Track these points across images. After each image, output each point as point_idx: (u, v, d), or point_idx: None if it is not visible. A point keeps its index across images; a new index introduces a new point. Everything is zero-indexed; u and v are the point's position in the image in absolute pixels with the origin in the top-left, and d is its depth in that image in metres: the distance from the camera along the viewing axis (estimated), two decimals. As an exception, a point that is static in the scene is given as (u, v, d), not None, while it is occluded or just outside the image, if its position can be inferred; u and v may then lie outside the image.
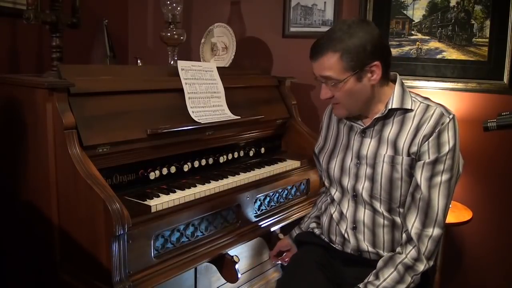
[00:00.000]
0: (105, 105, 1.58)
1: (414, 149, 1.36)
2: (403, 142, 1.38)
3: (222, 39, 2.45)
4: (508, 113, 1.41)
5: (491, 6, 2.15)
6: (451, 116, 1.35)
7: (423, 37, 2.32)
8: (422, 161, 1.35)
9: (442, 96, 2.26)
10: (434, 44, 2.30)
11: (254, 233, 1.90)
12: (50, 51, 2.04)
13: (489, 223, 2.25)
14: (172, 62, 2.33)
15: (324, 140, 1.66)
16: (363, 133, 1.47)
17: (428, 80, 2.31)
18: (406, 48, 2.36)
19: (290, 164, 2.13)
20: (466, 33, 2.22)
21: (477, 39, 2.20)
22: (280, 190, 2.05)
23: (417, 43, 2.34)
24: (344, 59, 1.34)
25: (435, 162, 1.33)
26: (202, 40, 2.49)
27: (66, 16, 2.05)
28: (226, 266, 1.77)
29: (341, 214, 1.51)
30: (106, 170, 1.54)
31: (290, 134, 2.35)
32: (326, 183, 1.63)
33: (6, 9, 2.16)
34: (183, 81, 1.86)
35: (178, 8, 2.29)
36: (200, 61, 2.46)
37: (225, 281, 1.84)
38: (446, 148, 1.33)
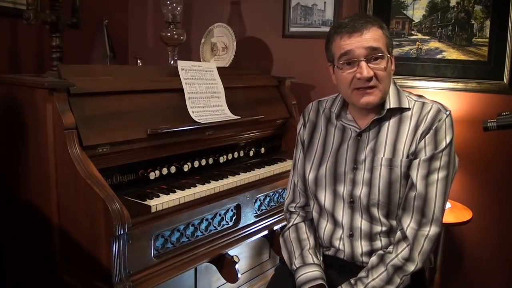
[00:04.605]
0: (105, 105, 1.58)
1: (412, 148, 1.33)
2: (403, 144, 1.34)
3: (222, 39, 2.45)
4: (508, 113, 1.40)
5: (491, 6, 2.15)
6: (447, 112, 1.33)
7: (423, 37, 2.32)
8: (418, 159, 1.31)
9: (442, 96, 2.26)
10: (434, 44, 2.30)
11: (254, 233, 1.91)
12: (50, 51, 2.04)
13: (489, 223, 2.25)
14: (172, 62, 2.33)
15: (308, 145, 1.52)
16: (359, 136, 1.40)
17: (428, 80, 2.31)
18: (406, 48, 2.36)
19: (290, 164, 2.13)
20: (466, 33, 2.22)
21: (477, 39, 2.20)
22: (280, 190, 2.05)
23: (417, 43, 2.34)
24: (386, 36, 1.33)
25: (431, 159, 1.30)
26: (202, 40, 2.49)
27: (66, 16, 2.06)
28: (226, 266, 1.77)
29: (335, 222, 1.42)
30: (106, 170, 1.54)
31: (290, 134, 2.35)
32: (311, 190, 1.47)
33: (6, 9, 2.16)
34: (183, 81, 1.86)
35: (178, 8, 2.29)
36: (200, 61, 2.46)
37: (225, 281, 1.84)
38: (443, 145, 1.30)
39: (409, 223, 1.31)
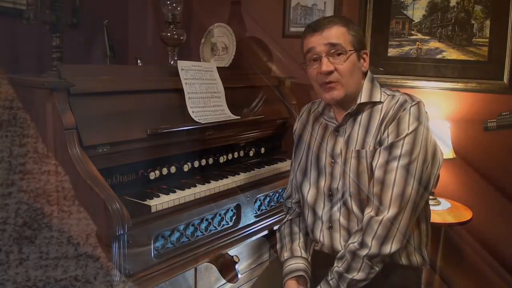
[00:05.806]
0: (105, 105, 1.59)
1: (378, 139, 1.36)
2: (371, 136, 1.37)
3: (222, 39, 2.45)
4: (508, 113, 1.41)
5: (491, 6, 2.15)
6: (413, 103, 1.34)
7: (423, 37, 2.32)
8: (379, 148, 1.34)
9: (442, 96, 2.26)
10: (434, 44, 2.30)
11: (254, 233, 1.91)
12: (50, 51, 2.04)
13: (489, 223, 2.25)
14: (172, 62, 2.33)
15: (297, 143, 1.61)
16: (337, 131, 1.46)
17: (428, 80, 2.31)
18: (406, 48, 2.36)
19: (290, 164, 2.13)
20: (466, 33, 2.22)
21: (477, 39, 2.20)
22: (280, 190, 2.05)
23: (417, 43, 2.34)
24: (350, 33, 1.40)
25: (391, 147, 1.31)
26: (202, 40, 2.49)
27: (66, 16, 2.05)
28: (226, 266, 1.77)
29: (315, 215, 1.48)
30: (106, 170, 1.54)
31: (290, 134, 2.33)
32: (298, 185, 1.56)
33: (6, 9, 2.16)
34: (183, 81, 1.86)
35: (178, 8, 2.29)
36: (200, 61, 2.46)
37: (225, 281, 1.84)
38: (404, 133, 1.31)
39: (369, 211, 1.33)
